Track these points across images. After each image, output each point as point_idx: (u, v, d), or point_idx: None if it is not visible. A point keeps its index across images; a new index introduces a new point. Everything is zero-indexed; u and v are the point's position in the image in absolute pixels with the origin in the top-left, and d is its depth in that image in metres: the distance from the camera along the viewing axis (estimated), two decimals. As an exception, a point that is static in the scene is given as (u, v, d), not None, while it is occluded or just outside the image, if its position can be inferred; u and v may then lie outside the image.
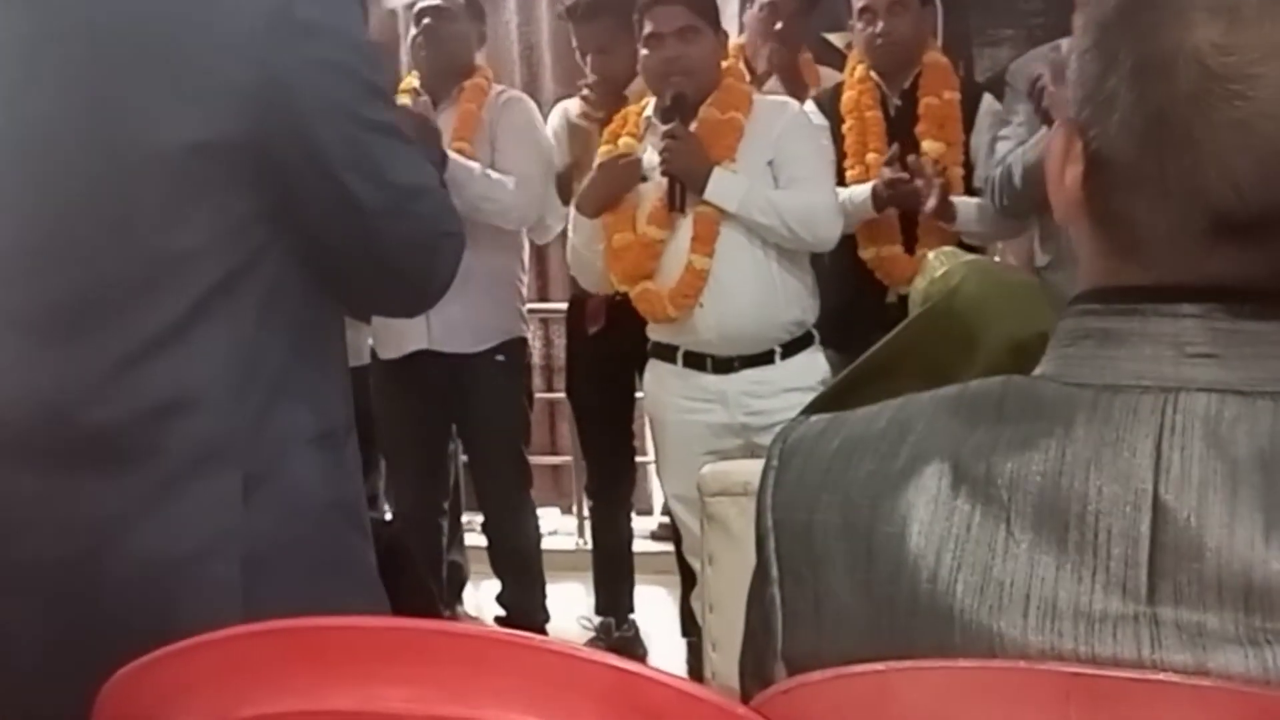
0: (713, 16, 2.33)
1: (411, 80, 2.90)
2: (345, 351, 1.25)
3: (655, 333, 2.45)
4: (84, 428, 1.06)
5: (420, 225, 1.15)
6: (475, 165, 2.74)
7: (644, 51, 2.33)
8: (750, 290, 2.31)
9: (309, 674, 0.69)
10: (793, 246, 2.34)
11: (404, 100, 2.86)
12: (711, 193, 2.28)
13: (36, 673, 1.09)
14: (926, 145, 2.60)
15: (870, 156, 2.64)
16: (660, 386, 2.47)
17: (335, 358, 1.22)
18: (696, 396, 2.38)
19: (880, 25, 2.60)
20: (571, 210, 2.47)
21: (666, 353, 2.43)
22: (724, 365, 2.35)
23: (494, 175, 2.77)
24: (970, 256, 1.54)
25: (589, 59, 2.90)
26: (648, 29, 2.30)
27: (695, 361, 2.38)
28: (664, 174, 2.29)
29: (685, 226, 2.31)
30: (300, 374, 1.14)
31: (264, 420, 1.09)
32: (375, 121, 1.10)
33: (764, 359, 2.35)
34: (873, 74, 2.69)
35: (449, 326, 2.80)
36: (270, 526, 1.08)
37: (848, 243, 2.62)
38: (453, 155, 2.66)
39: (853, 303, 2.59)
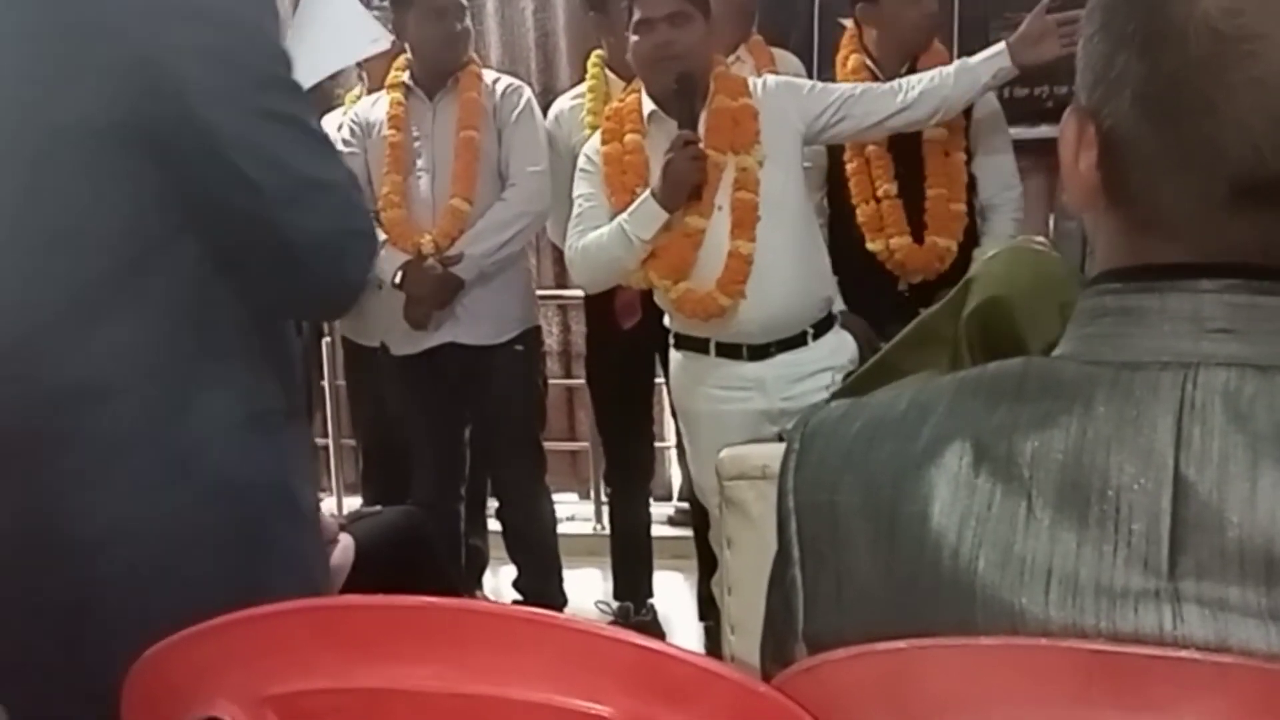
0: (702, 2, 2.29)
1: (399, 75, 2.87)
2: (290, 335, 1.23)
3: (683, 324, 2.40)
4: (4, 416, 1.07)
5: (325, 219, 1.12)
6: (486, 239, 2.76)
7: (634, 38, 2.29)
8: (788, 274, 2.29)
9: (336, 653, 0.70)
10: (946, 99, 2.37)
11: (396, 95, 2.85)
12: None
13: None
14: (928, 132, 2.57)
15: (870, 149, 2.61)
16: (690, 377, 2.42)
17: (276, 341, 1.20)
18: (733, 385, 2.35)
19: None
20: (626, 217, 2.31)
21: (696, 344, 2.39)
22: (759, 352, 2.33)
23: (492, 219, 2.77)
24: (1029, 239, 1.55)
25: (605, 43, 2.89)
26: (638, 15, 2.26)
27: (729, 350, 2.35)
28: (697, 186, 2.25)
29: (719, 218, 2.29)
30: (226, 358, 1.13)
31: (184, 404, 1.09)
32: (272, 110, 1.08)
33: (797, 341, 2.33)
34: (867, 63, 2.65)
35: (474, 319, 2.81)
36: (191, 509, 1.09)
37: (855, 236, 2.62)
38: (463, 248, 2.73)
39: (865, 295, 2.58)
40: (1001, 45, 2.41)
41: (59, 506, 1.07)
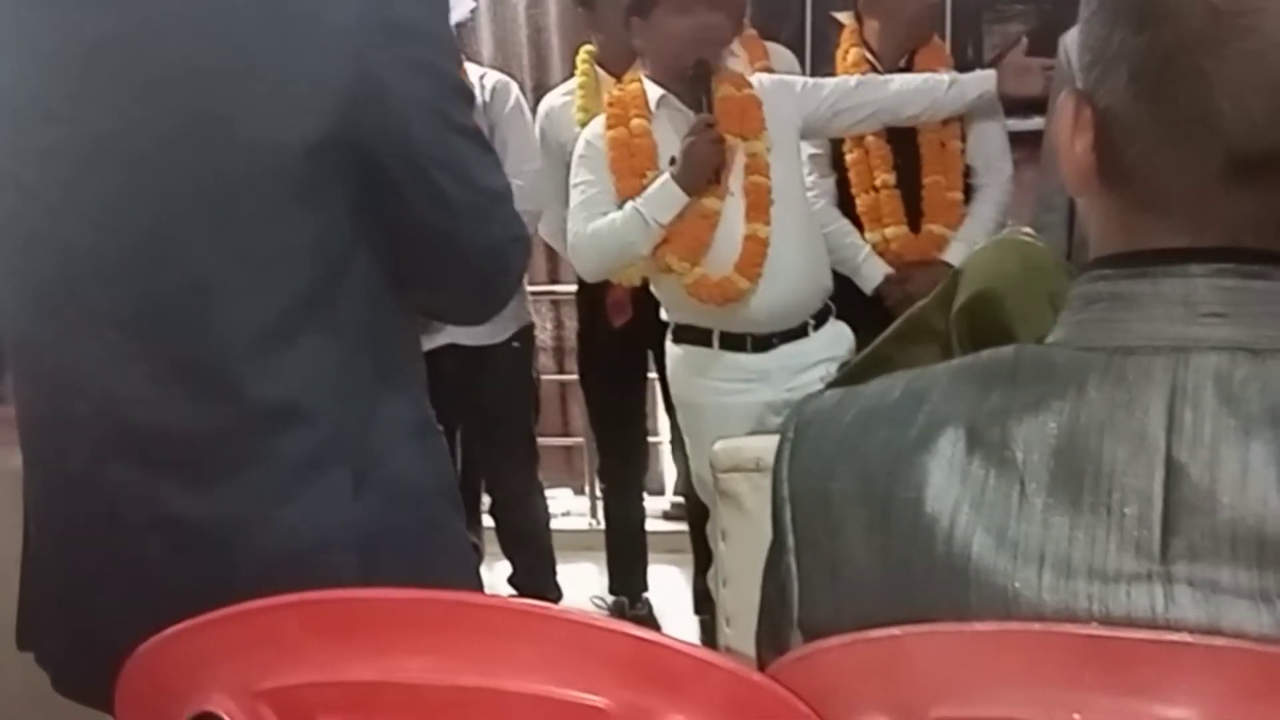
0: None
1: None
2: (420, 344, 1.26)
3: (686, 316, 2.39)
4: (188, 432, 1.06)
5: (499, 228, 1.15)
6: None
7: (670, 18, 2.25)
8: (795, 261, 2.30)
9: (330, 646, 0.70)
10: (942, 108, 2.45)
11: None
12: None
13: None
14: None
15: (870, 140, 2.62)
16: (691, 370, 2.41)
17: (418, 350, 1.24)
18: (736, 378, 2.34)
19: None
20: (643, 200, 2.28)
21: (698, 336, 2.38)
22: (763, 343, 2.33)
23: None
24: (1016, 231, 1.55)
25: (594, 39, 2.87)
26: None
27: (733, 342, 2.34)
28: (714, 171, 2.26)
29: (731, 203, 2.29)
30: (396, 368, 1.15)
31: (369, 415, 1.11)
32: (461, 124, 1.10)
33: (799, 332, 2.34)
34: (867, 56, 2.67)
35: None
36: (380, 516, 1.10)
37: (855, 226, 2.63)
38: None
39: (860, 287, 2.60)
40: (991, 72, 2.54)
41: (249, 523, 1.07)
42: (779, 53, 2.98)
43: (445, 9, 1.12)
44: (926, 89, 2.43)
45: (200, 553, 1.07)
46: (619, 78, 2.57)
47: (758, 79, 2.40)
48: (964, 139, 2.63)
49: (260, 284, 1.05)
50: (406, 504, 1.13)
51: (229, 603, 1.04)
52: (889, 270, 2.60)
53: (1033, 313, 0.74)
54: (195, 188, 1.02)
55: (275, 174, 1.02)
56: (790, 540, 0.73)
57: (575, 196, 2.39)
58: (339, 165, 1.03)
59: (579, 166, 2.39)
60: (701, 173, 2.24)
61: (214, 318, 1.05)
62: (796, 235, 2.31)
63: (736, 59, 2.81)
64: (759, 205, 2.28)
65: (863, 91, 2.39)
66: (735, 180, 2.28)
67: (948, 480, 0.65)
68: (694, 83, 2.26)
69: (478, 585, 1.27)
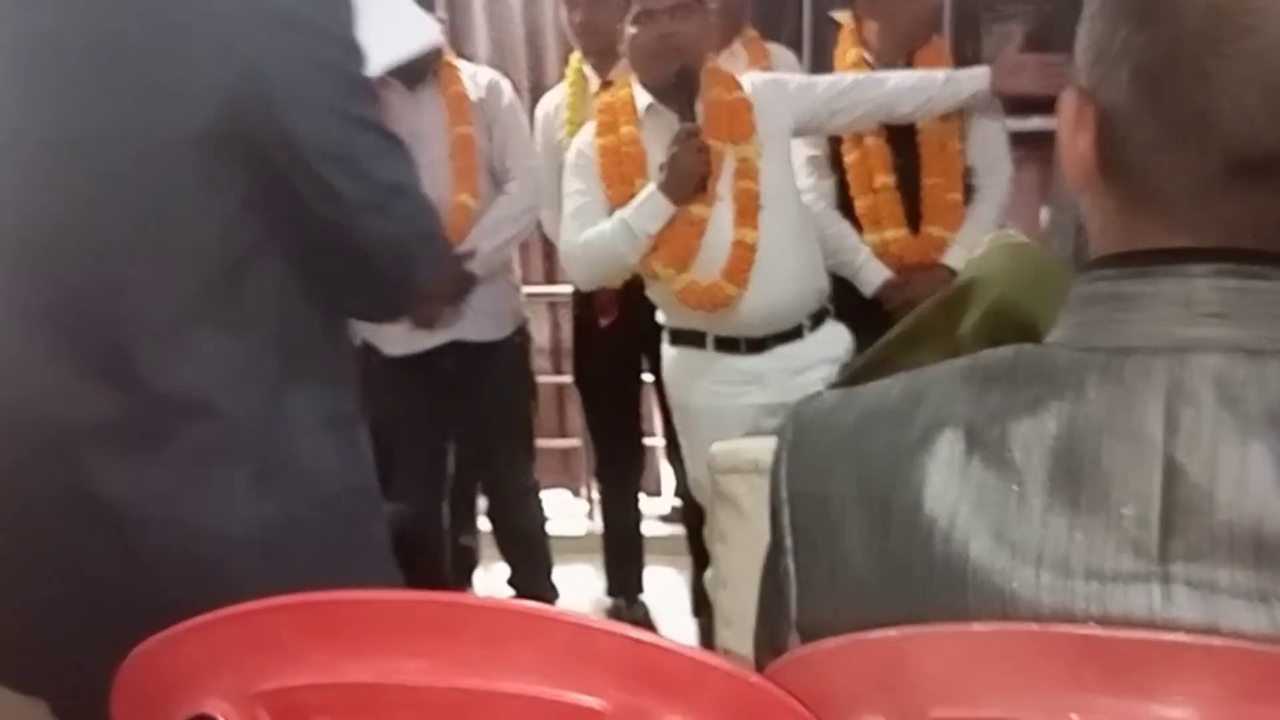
0: None
1: None
2: (350, 339, 1.26)
3: (680, 319, 2.39)
4: (96, 422, 1.07)
5: (400, 224, 1.14)
6: (498, 233, 2.75)
7: (633, 29, 2.27)
8: (788, 265, 2.30)
9: (327, 648, 0.70)
10: (934, 104, 2.44)
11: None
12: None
13: (72, 650, 1.10)
14: (924, 124, 2.59)
15: (869, 141, 2.62)
16: (687, 373, 2.42)
17: (342, 345, 1.23)
18: (731, 380, 2.35)
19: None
20: (630, 211, 2.29)
21: (693, 338, 2.38)
22: (757, 345, 2.33)
23: (503, 213, 2.76)
24: (1008, 234, 1.55)
25: (578, 18, 2.83)
26: (638, 7, 2.25)
27: (727, 345, 2.35)
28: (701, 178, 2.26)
29: (720, 208, 2.29)
30: (308, 362, 1.15)
31: (273, 410, 1.11)
32: (357, 116, 1.10)
33: (794, 334, 2.34)
34: (866, 57, 2.67)
35: (479, 315, 2.79)
36: (285, 513, 1.10)
37: (855, 227, 2.63)
38: (476, 244, 2.70)
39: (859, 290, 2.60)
40: (986, 69, 2.50)
41: (151, 516, 1.07)
42: (780, 53, 2.98)
43: (341, 3, 1.11)
44: (922, 86, 2.43)
45: (110, 544, 1.08)
46: (605, 78, 2.58)
47: (749, 79, 2.39)
48: (963, 139, 2.64)
49: (162, 276, 1.06)
50: (315, 501, 1.13)
51: (142, 595, 1.04)
52: (889, 273, 2.60)
53: (1055, 309, 0.74)
54: (99, 181, 1.04)
55: (167, 167, 1.03)
56: (789, 542, 0.73)
57: (567, 205, 2.39)
58: (230, 159, 1.04)
59: (570, 175, 2.40)
60: (687, 182, 2.24)
61: (119, 308, 1.06)
62: (788, 238, 2.30)
63: (738, 60, 2.82)
64: (747, 210, 2.27)
65: (857, 89, 2.39)
66: (724, 185, 2.28)
67: (946, 481, 0.65)
68: (678, 89, 2.26)
69: (394, 582, 1.24)
